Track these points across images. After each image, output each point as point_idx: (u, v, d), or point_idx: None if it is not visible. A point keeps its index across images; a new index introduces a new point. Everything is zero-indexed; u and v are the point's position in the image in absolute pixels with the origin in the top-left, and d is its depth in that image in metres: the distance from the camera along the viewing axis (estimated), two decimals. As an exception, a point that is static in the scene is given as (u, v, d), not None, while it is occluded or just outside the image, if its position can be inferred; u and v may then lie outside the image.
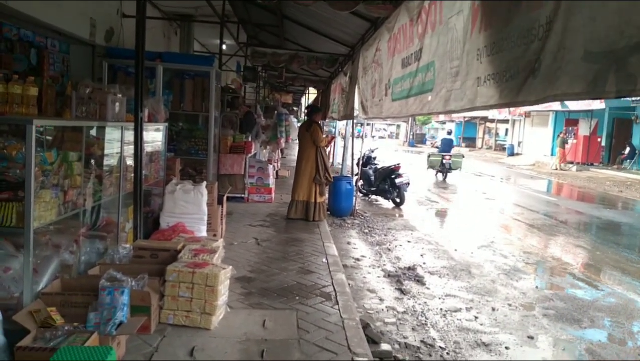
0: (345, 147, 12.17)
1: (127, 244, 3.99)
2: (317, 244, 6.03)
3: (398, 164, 10.81)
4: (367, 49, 5.73)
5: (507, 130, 35.12)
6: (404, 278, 5.66)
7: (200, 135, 6.63)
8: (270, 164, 9.19)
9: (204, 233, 4.99)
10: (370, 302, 4.88)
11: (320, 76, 12.30)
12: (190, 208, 4.91)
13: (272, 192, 8.75)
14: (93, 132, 3.86)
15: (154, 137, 5.13)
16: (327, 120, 12.08)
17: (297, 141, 8.99)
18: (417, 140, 45.39)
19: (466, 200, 12.74)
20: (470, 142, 39.36)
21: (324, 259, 5.38)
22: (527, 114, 30.15)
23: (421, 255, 6.75)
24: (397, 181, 10.26)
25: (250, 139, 8.80)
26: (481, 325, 4.51)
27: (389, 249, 6.95)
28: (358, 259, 6.30)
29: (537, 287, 5.75)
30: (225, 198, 5.98)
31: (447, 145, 16.83)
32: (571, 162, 23.23)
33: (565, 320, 4.72)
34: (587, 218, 10.73)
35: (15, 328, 2.64)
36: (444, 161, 16.19)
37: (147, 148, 4.75)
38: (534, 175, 20.58)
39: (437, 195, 13.24)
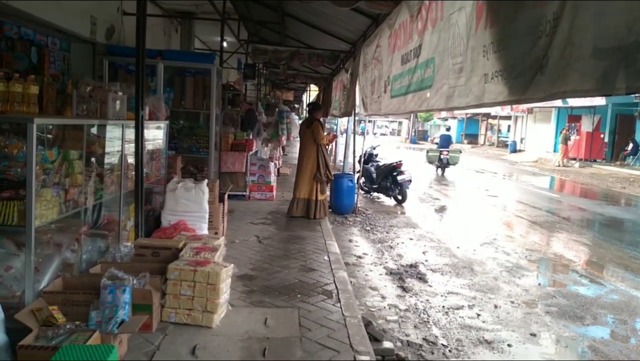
0: (346, 145, 12.14)
1: (128, 243, 3.98)
2: (319, 242, 6.02)
3: (400, 161, 10.77)
4: (368, 45, 5.72)
5: (509, 127, 35.01)
6: (406, 275, 5.65)
7: (202, 133, 6.62)
8: (272, 161, 9.18)
9: (205, 231, 4.98)
10: (372, 300, 4.88)
11: (322, 73, 12.24)
12: (191, 206, 4.90)
13: (273, 190, 8.74)
14: (94, 130, 3.86)
15: (155, 135, 5.13)
16: (328, 117, 12.04)
17: (298, 139, 8.97)
18: (419, 137, 45.26)
19: (468, 197, 12.71)
20: (472, 139, 39.23)
21: (326, 257, 5.37)
22: (530, 111, 29.99)
23: (423, 253, 6.74)
24: (399, 178, 10.23)
25: (251, 137, 8.78)
26: (483, 322, 4.51)
27: (391, 247, 6.94)
28: (360, 257, 6.30)
29: (539, 284, 5.74)
30: (226, 195, 5.97)
31: (445, 141, 17.37)
32: (574, 159, 23.15)
33: (568, 317, 4.71)
34: (589, 215, 10.69)
35: (17, 327, 2.64)
36: (442, 157, 16.67)
37: (148, 146, 4.74)
38: (537, 172, 20.52)
39: (439, 192, 13.22)
